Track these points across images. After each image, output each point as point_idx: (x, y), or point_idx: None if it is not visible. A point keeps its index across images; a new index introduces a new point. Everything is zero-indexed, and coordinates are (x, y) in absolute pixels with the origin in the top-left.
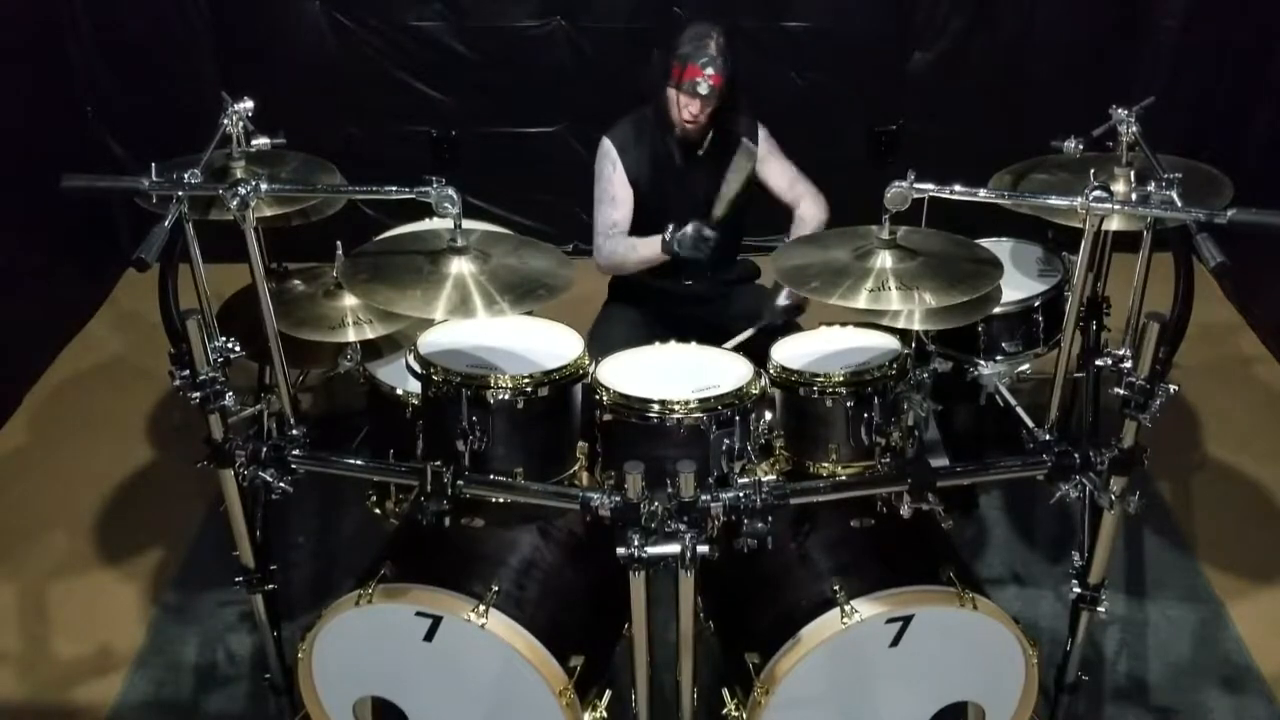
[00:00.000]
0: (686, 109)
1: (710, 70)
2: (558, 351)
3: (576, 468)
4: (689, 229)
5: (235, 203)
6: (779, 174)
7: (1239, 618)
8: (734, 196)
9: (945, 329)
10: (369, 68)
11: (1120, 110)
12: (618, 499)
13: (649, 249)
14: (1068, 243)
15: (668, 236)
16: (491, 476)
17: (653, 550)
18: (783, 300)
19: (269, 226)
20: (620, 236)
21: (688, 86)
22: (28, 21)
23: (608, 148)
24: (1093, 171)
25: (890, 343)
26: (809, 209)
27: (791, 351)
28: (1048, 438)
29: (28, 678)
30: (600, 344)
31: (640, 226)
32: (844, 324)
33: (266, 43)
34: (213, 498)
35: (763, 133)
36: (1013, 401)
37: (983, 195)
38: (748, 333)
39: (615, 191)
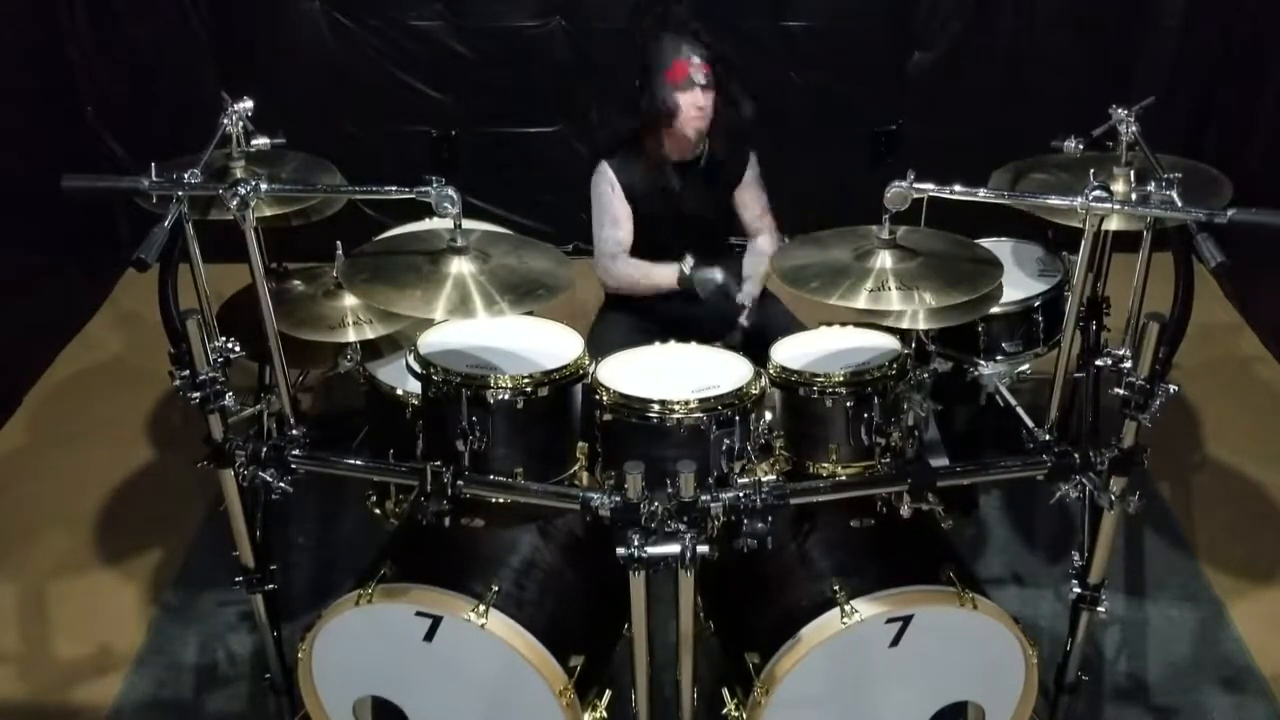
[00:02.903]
0: (693, 105)
1: (695, 59)
2: (558, 351)
3: (576, 468)
4: (717, 278)
5: (235, 203)
6: (753, 202)
7: (1239, 618)
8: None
9: (945, 329)
10: (369, 68)
11: (1120, 110)
12: (618, 499)
13: (662, 276)
14: (1068, 243)
15: (687, 270)
16: (491, 477)
17: (653, 550)
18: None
19: (269, 226)
20: (629, 258)
21: (685, 84)
22: (28, 22)
23: (604, 169)
24: (1093, 171)
25: (890, 343)
26: (765, 243)
27: (791, 351)
28: (1048, 438)
29: (28, 678)
30: (599, 346)
31: (641, 245)
32: (844, 324)
33: (266, 43)
34: (213, 498)
35: (753, 158)
36: (1013, 401)
37: (983, 195)
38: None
39: (616, 212)
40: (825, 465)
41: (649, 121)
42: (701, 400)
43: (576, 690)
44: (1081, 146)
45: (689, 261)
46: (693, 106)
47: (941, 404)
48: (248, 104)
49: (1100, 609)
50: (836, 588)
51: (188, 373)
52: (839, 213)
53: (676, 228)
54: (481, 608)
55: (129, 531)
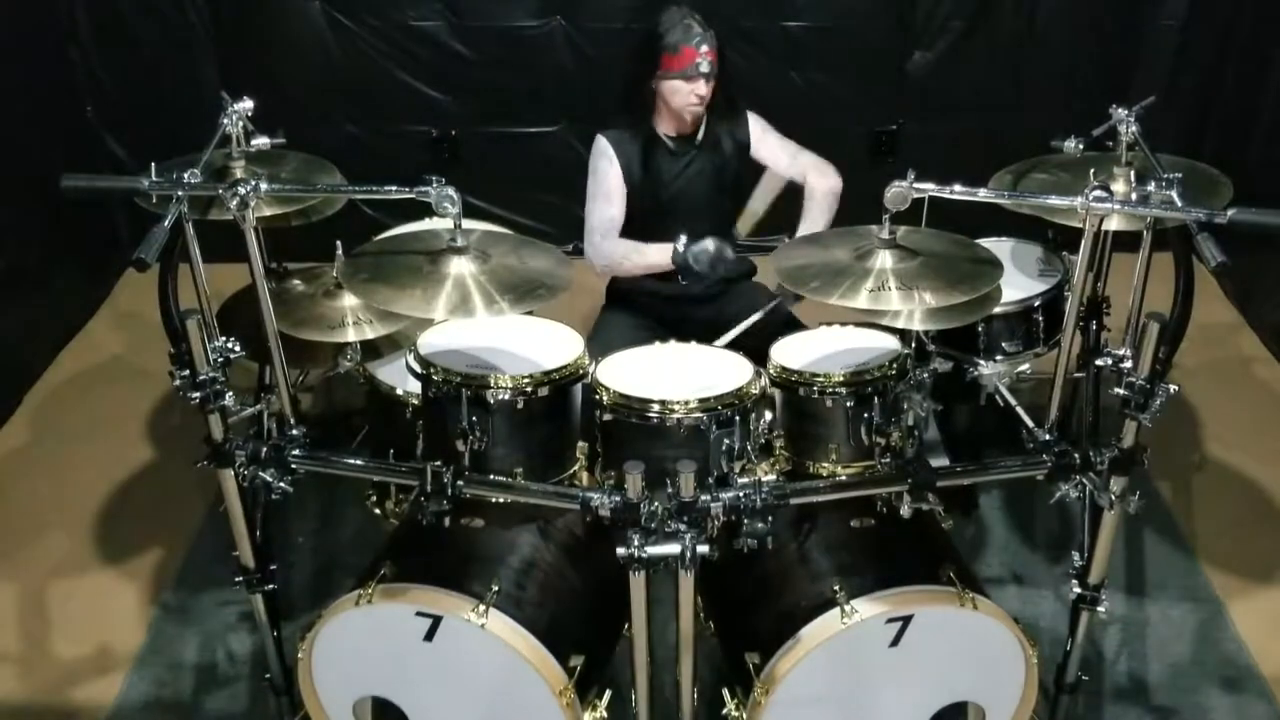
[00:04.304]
0: (693, 93)
1: (705, 47)
2: (558, 351)
3: (576, 468)
4: (709, 246)
5: (235, 203)
6: (778, 151)
7: (1239, 618)
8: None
9: (945, 329)
10: (369, 68)
11: (1120, 110)
12: (618, 499)
13: (657, 255)
14: (1068, 243)
15: (680, 248)
16: (491, 476)
17: (653, 550)
18: (780, 302)
19: (269, 226)
20: (619, 238)
21: (690, 70)
22: (28, 21)
23: (604, 145)
24: (1093, 171)
25: (890, 343)
26: (816, 180)
27: (791, 351)
28: (1048, 438)
29: (28, 678)
30: (600, 347)
31: (635, 224)
32: (844, 324)
33: (266, 43)
34: (213, 498)
35: (752, 117)
36: (1013, 401)
37: (983, 195)
38: (739, 329)
39: (611, 188)
40: (825, 465)
41: (645, 100)
42: (701, 400)
43: (576, 690)
44: (1081, 146)
45: (683, 240)
46: (693, 94)
47: (941, 404)
48: (248, 104)
49: (1100, 609)
50: (836, 588)
51: (188, 373)
52: (839, 213)
53: (674, 207)
54: (481, 608)
55: (129, 531)
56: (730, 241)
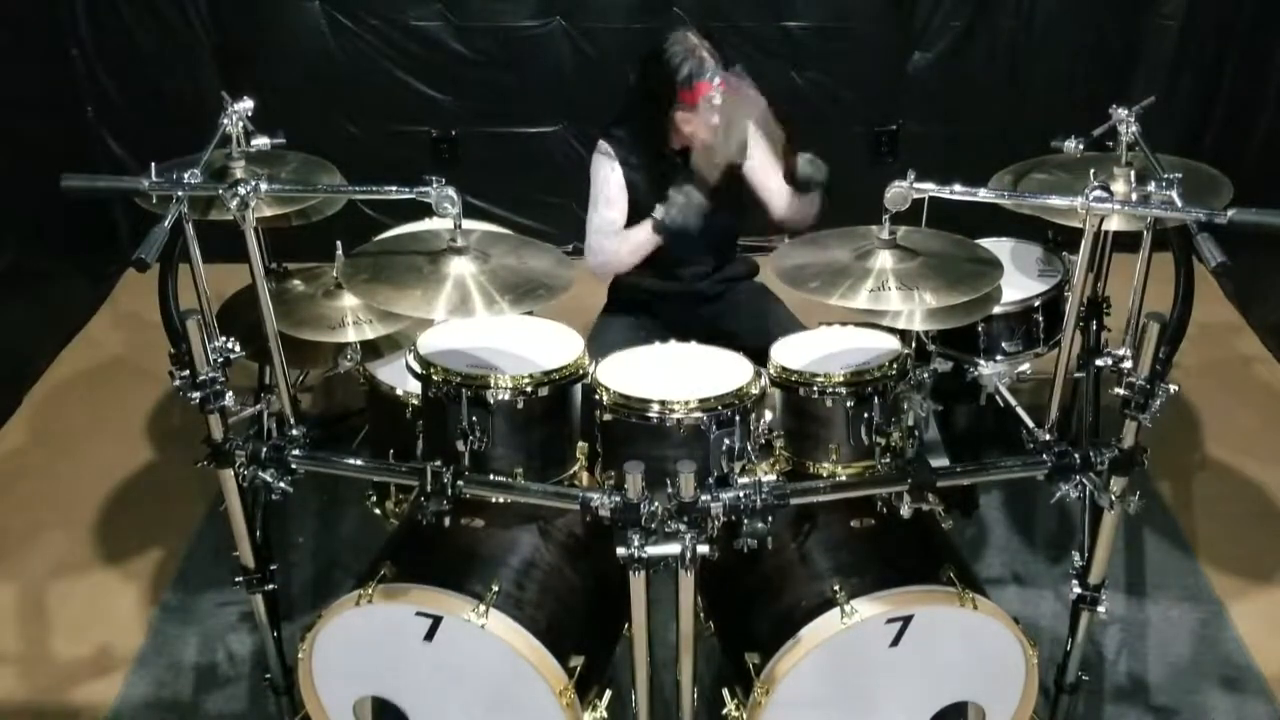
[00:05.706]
0: (705, 124)
1: (717, 80)
2: (558, 351)
3: (576, 468)
4: (678, 196)
5: (235, 203)
6: (771, 173)
7: (1239, 618)
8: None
9: (945, 329)
10: (369, 68)
11: (1120, 110)
12: (618, 499)
13: (640, 234)
14: (1068, 243)
15: (657, 215)
16: (491, 476)
17: (653, 550)
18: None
19: (269, 226)
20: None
21: (704, 105)
22: (28, 21)
23: (606, 149)
24: (1093, 171)
25: (890, 343)
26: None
27: (791, 351)
28: (1048, 438)
29: (28, 678)
30: (600, 347)
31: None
32: (844, 324)
33: (266, 43)
34: (213, 498)
35: (754, 131)
36: (1013, 401)
37: (983, 195)
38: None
39: (612, 193)
40: (825, 465)
41: (656, 124)
42: (701, 400)
43: (576, 690)
44: (1081, 146)
45: (659, 208)
46: (704, 125)
47: (941, 404)
48: (248, 104)
49: (1100, 609)
50: (836, 588)
51: (188, 373)
52: (839, 213)
53: None
54: (481, 608)
55: (129, 531)
56: (694, 184)
